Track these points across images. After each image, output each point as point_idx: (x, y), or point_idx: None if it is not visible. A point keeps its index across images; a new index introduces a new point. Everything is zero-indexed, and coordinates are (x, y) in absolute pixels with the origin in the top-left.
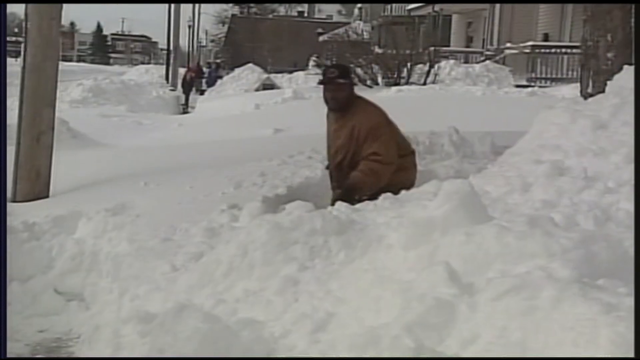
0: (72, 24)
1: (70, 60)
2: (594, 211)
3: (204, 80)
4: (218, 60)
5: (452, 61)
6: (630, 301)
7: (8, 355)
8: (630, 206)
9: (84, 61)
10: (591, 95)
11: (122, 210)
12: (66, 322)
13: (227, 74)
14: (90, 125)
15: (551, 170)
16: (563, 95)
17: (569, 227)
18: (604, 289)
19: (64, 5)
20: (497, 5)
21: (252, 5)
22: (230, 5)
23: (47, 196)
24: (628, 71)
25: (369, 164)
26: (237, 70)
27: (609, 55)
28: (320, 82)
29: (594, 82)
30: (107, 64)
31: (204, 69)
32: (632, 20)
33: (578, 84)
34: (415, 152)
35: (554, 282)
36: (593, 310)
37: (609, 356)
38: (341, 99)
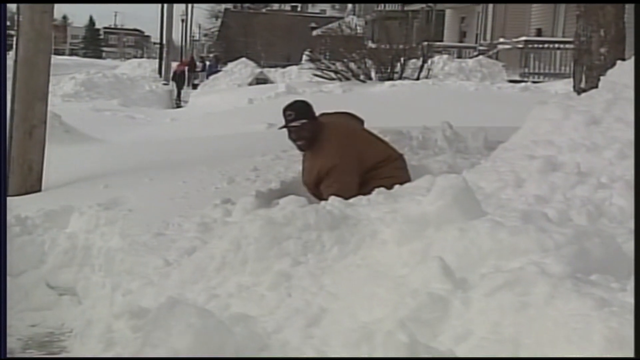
0: (64, 17)
1: (63, 54)
2: (587, 207)
3: (204, 73)
4: (217, 54)
5: (445, 56)
6: (623, 296)
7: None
8: (623, 202)
9: (76, 55)
10: (584, 91)
11: (114, 204)
12: (58, 317)
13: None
14: (83, 119)
15: (544, 165)
16: (556, 91)
17: (562, 222)
18: (597, 285)
19: None
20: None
21: None
22: None
23: (39, 190)
24: (621, 66)
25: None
26: (230, 65)
27: (602, 50)
28: (281, 127)
29: (587, 77)
30: (100, 57)
31: (198, 63)
32: (625, 15)
33: (571, 80)
34: (401, 157)
35: (547, 278)
36: (586, 306)
37: (607, 356)
38: (306, 139)
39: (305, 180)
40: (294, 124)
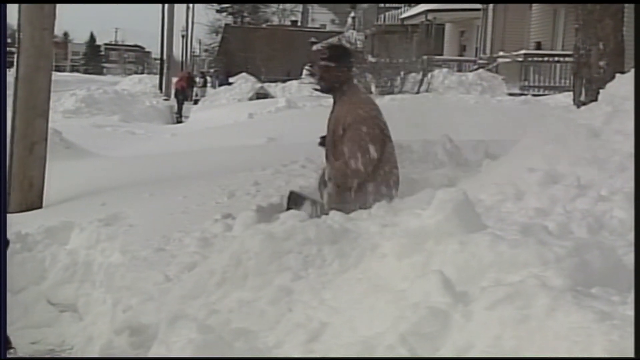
0: (65, 34)
1: (64, 71)
2: (587, 219)
3: (208, 86)
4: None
5: (445, 70)
6: (624, 309)
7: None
8: (623, 214)
9: (77, 71)
10: (584, 104)
11: (115, 220)
12: (59, 334)
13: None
14: (84, 135)
15: (544, 178)
16: (556, 104)
17: (562, 235)
18: (598, 298)
19: (57, 15)
20: (490, 14)
21: (245, 14)
22: (224, 14)
23: (40, 207)
24: (620, 79)
25: (338, 167)
26: (230, 80)
27: (601, 63)
28: (310, 64)
29: (586, 90)
30: (101, 73)
31: (197, 79)
32: (624, 28)
33: (571, 93)
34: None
35: (547, 291)
36: (587, 319)
37: (608, 356)
38: (326, 82)
39: (327, 135)
40: (321, 63)
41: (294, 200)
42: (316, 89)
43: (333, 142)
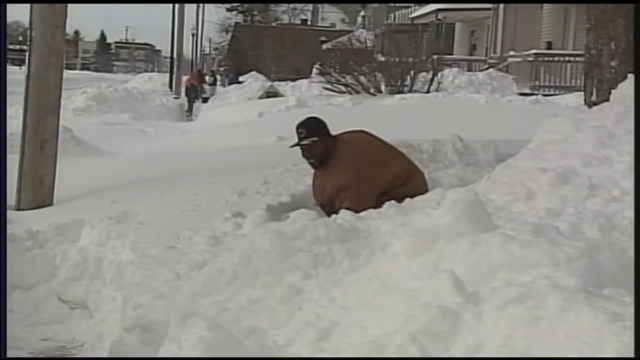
0: (76, 32)
1: (74, 68)
2: (598, 220)
3: (218, 84)
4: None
5: (455, 69)
6: None
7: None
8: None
9: (87, 69)
10: (595, 104)
11: (125, 218)
12: (69, 331)
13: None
14: (94, 133)
15: (555, 178)
16: (567, 104)
17: (573, 235)
18: (610, 298)
19: (69, 13)
20: (501, 14)
21: (255, 13)
22: (234, 13)
23: (50, 204)
24: (632, 80)
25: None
26: (240, 78)
27: (613, 63)
28: (293, 145)
29: (597, 90)
30: (111, 72)
31: (207, 77)
32: (633, 31)
33: (582, 92)
34: (420, 172)
35: (559, 291)
36: (598, 320)
37: (611, 357)
38: (317, 157)
39: (317, 197)
40: (304, 142)
41: None
42: (328, 89)
43: (330, 200)
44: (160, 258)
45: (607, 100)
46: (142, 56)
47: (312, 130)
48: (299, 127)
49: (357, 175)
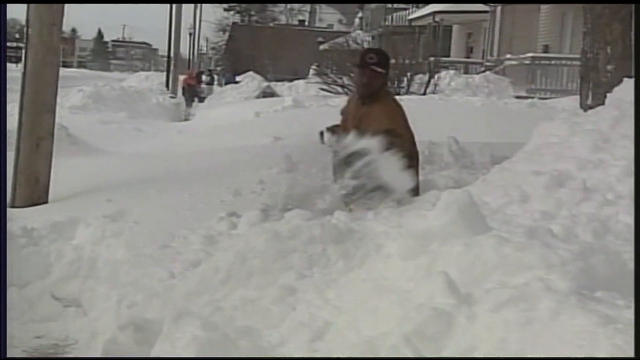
0: (73, 30)
1: (71, 66)
2: (592, 223)
3: (215, 84)
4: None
5: (452, 72)
6: (628, 313)
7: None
8: (629, 219)
9: (84, 67)
10: (591, 108)
11: (120, 217)
12: (63, 329)
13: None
14: (90, 131)
15: (550, 181)
16: (563, 107)
17: (567, 238)
18: (602, 301)
19: (66, 11)
20: (498, 16)
21: (252, 13)
22: (231, 13)
23: (46, 202)
24: (627, 84)
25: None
26: (237, 78)
27: (609, 67)
28: (357, 65)
29: (593, 94)
30: (107, 70)
31: (204, 77)
32: (632, 32)
33: (578, 96)
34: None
35: (552, 294)
36: (591, 322)
37: (609, 357)
38: (372, 87)
39: (347, 127)
40: (375, 68)
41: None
42: (324, 89)
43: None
44: (155, 257)
45: (603, 104)
46: (139, 55)
47: (382, 62)
48: (370, 51)
49: (406, 125)
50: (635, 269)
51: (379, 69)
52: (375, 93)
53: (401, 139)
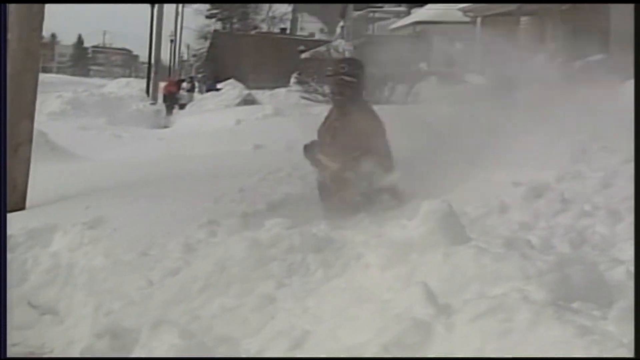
0: (52, 35)
1: (50, 72)
2: (570, 234)
3: (196, 91)
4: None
5: (433, 81)
6: (604, 324)
7: None
8: (605, 230)
9: (63, 73)
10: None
11: (98, 224)
12: (39, 336)
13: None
14: (69, 137)
15: (529, 192)
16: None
17: (545, 249)
18: (579, 312)
19: (45, 16)
20: (478, 27)
21: (234, 21)
22: (213, 20)
23: (23, 208)
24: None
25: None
26: (218, 86)
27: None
28: (329, 75)
29: None
30: (87, 76)
31: (184, 84)
32: (608, 47)
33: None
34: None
35: (529, 305)
36: (568, 333)
37: (608, 356)
38: (345, 97)
39: (325, 138)
40: (345, 77)
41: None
42: (305, 97)
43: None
44: (133, 264)
45: None
46: (119, 61)
47: (354, 70)
48: (342, 61)
49: (379, 139)
50: (635, 268)
51: (349, 78)
52: (349, 103)
53: (370, 155)
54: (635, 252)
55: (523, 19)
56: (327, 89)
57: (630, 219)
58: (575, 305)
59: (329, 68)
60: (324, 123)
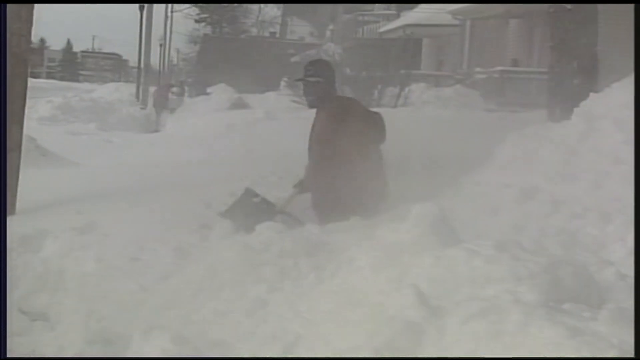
0: (41, 40)
1: (39, 77)
2: (561, 236)
3: (186, 95)
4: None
5: (422, 84)
6: (594, 325)
7: None
8: (596, 231)
9: (53, 78)
10: (559, 121)
11: (89, 229)
12: (30, 343)
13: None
14: (59, 143)
15: (520, 194)
16: (532, 120)
17: (536, 251)
18: (570, 313)
19: (34, 21)
20: (467, 30)
21: (224, 25)
22: (202, 24)
23: (13, 214)
24: (594, 98)
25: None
26: (208, 90)
27: (575, 81)
28: (297, 80)
29: (561, 108)
30: (77, 81)
31: (174, 89)
32: (597, 47)
33: (546, 110)
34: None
35: (521, 306)
36: (559, 335)
37: (607, 356)
38: (316, 97)
39: (311, 141)
40: (309, 79)
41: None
42: (296, 101)
43: (320, 144)
44: (125, 270)
45: (570, 117)
46: (108, 66)
47: (318, 71)
48: (308, 64)
49: (348, 129)
50: (635, 268)
51: (314, 79)
52: (320, 103)
53: (338, 147)
54: (635, 252)
55: (512, 21)
56: None
57: (620, 220)
58: (566, 306)
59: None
60: (312, 129)
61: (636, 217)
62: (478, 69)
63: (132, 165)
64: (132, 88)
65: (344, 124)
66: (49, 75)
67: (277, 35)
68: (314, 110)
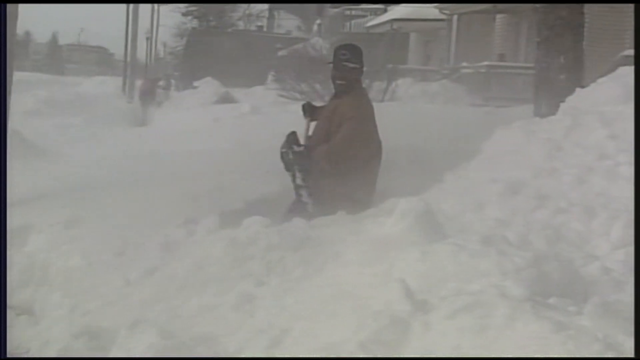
0: (26, 33)
1: (24, 70)
2: (546, 231)
3: (172, 89)
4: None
5: (409, 79)
6: (579, 320)
7: None
8: (581, 226)
9: (38, 71)
10: (545, 116)
11: (75, 223)
12: (15, 337)
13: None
14: (45, 136)
15: (505, 189)
16: (518, 115)
17: (522, 246)
18: (555, 308)
19: (19, 14)
20: (454, 25)
21: (211, 19)
22: (189, 18)
23: None
24: (580, 93)
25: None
26: (195, 84)
27: (562, 77)
28: (331, 63)
29: (547, 103)
30: (62, 74)
31: (160, 82)
32: (583, 43)
33: (532, 105)
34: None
35: (507, 301)
36: (545, 329)
37: (606, 356)
38: (346, 83)
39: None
40: (348, 64)
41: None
42: (283, 95)
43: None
44: (111, 264)
45: (556, 112)
46: (94, 59)
47: (354, 57)
48: (341, 47)
49: (369, 119)
50: (635, 268)
51: (352, 64)
52: (350, 88)
53: (360, 131)
54: (635, 252)
55: (499, 16)
56: (304, 86)
57: (604, 215)
58: (551, 300)
59: (334, 55)
60: (321, 112)
61: (636, 217)
62: (465, 64)
63: (118, 159)
64: (118, 81)
65: (371, 111)
66: (35, 68)
67: (264, 29)
68: (299, 105)
